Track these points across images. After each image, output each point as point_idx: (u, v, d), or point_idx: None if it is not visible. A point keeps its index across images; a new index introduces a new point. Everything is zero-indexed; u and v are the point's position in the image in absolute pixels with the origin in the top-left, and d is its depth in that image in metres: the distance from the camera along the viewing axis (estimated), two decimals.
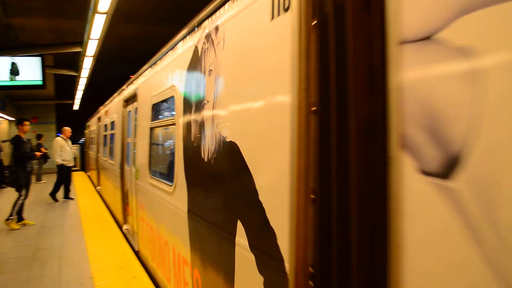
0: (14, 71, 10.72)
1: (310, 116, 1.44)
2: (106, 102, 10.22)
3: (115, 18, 7.56)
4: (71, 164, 10.51)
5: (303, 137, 1.47)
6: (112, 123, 8.33)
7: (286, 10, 1.63)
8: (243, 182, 1.98)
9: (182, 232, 3.00)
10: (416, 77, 1.04)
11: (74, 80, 14.75)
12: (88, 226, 7.20)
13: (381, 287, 1.13)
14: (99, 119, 11.80)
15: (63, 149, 10.02)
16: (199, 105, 2.63)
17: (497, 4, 0.83)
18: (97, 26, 7.51)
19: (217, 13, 2.43)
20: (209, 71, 2.47)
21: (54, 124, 19.71)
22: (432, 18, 0.99)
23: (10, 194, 8.25)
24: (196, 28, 2.80)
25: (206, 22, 2.61)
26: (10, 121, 17.43)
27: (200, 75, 2.63)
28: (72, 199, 10.33)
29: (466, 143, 0.90)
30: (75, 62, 12.40)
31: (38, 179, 14.85)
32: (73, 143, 11.31)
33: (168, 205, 3.48)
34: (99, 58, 10.60)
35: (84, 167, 19.87)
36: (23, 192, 7.36)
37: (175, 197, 3.25)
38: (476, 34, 0.88)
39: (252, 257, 1.88)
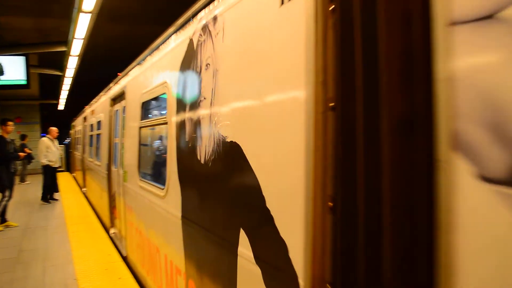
0: None
1: (327, 113, 1.28)
2: (92, 101, 9.91)
3: (101, 18, 7.43)
4: (57, 165, 10.31)
5: (319, 137, 1.30)
6: (99, 122, 8.03)
7: None
8: (246, 187, 1.79)
9: (175, 239, 2.79)
10: (474, 65, 0.86)
11: (59, 80, 14.45)
12: (73, 228, 7.10)
13: None
14: (85, 118, 11.44)
15: (49, 150, 9.81)
16: (195, 103, 2.42)
17: None
18: (82, 25, 7.51)
19: (215, 2, 2.23)
20: (206, 65, 2.27)
21: (39, 124, 19.32)
22: None
23: None
24: (191, 19, 2.59)
25: (202, 13, 2.41)
26: None
27: (196, 70, 2.43)
28: (56, 200, 10.20)
29: None
30: (60, 62, 12.12)
31: (22, 180, 14.62)
32: (59, 144, 11.02)
33: (159, 209, 3.27)
34: (84, 58, 10.41)
35: (69, 168, 19.60)
36: (7, 193, 7.29)
37: (167, 201, 3.04)
38: None
39: (257, 270, 1.69)
